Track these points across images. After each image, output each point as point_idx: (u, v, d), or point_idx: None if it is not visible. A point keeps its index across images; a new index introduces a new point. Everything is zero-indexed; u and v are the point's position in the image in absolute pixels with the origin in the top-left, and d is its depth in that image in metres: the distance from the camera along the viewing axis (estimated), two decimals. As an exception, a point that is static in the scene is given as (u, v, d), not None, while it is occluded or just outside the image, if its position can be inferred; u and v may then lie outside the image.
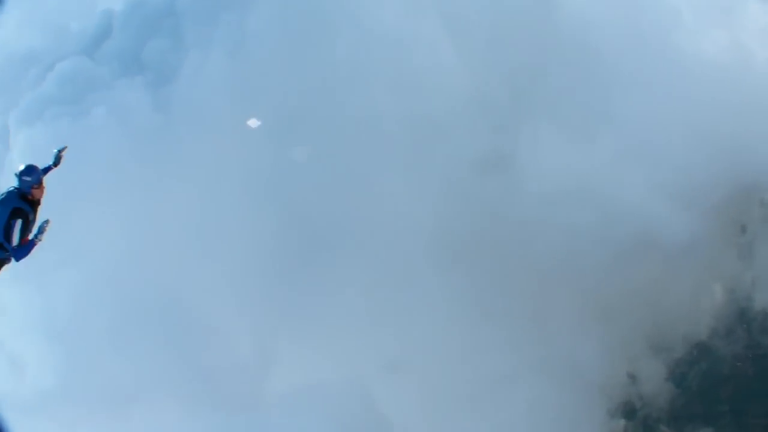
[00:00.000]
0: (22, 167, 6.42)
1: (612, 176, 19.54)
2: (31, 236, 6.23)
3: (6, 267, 6.47)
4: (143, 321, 19.12)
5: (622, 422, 21.20)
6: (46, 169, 6.69)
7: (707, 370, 21.76)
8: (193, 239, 19.94)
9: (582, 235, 19.19)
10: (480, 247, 19.12)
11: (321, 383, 17.30)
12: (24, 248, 6.20)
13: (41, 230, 6.21)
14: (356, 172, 20.02)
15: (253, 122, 20.43)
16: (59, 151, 6.84)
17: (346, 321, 18.34)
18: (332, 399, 17.31)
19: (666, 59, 20.72)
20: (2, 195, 6.29)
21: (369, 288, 18.79)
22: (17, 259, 6.22)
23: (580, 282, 19.46)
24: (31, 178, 6.29)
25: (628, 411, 21.32)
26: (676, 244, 19.89)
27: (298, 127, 21.06)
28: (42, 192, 6.40)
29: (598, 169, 19.48)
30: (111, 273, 19.50)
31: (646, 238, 19.63)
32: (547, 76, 20.02)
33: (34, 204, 6.32)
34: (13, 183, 6.44)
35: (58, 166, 6.86)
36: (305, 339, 18.18)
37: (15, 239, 6.13)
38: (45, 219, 6.27)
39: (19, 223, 6.16)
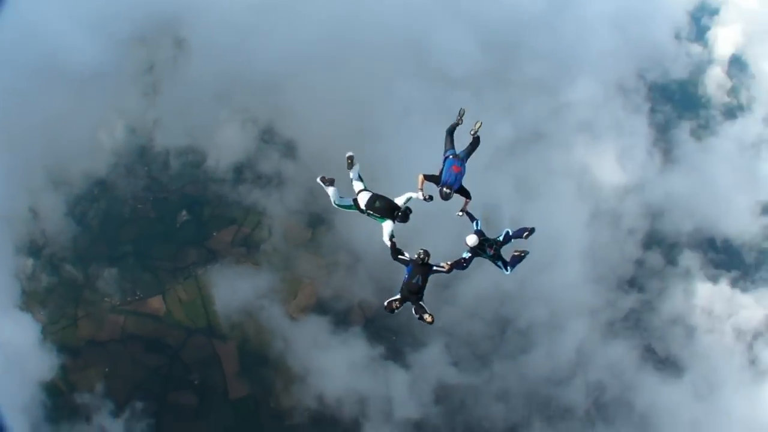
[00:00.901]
0: None
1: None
2: None
3: None
4: None
5: (29, 261, 20.13)
6: None
7: (108, 210, 21.46)
8: None
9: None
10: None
11: None
12: None
13: None
14: None
15: None
16: None
17: None
18: None
19: None
20: None
21: None
22: None
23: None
24: None
25: (34, 250, 20.37)
26: (82, 75, 18.30)
27: None
28: None
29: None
30: None
31: (52, 65, 17.36)
32: None
33: None
34: None
35: None
36: None
37: None
38: None
39: None
